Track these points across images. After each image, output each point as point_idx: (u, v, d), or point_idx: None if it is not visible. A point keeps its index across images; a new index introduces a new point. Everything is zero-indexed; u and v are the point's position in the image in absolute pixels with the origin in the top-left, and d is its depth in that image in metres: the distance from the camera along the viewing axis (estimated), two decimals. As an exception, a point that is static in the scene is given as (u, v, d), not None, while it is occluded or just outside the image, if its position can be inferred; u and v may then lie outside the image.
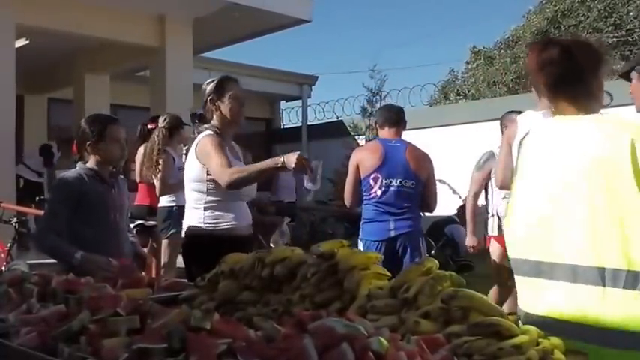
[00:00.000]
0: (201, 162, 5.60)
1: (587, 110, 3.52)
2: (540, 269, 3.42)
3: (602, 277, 3.18)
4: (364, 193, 7.81)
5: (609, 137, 3.27)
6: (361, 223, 7.98)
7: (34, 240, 5.57)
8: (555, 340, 2.76)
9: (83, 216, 5.41)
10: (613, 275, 3.15)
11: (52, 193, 5.63)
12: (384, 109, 8.74)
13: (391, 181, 7.76)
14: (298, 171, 5.19)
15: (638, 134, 3.19)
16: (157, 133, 9.64)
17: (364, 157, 7.85)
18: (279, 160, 5.25)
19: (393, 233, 7.67)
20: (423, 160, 7.95)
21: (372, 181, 7.76)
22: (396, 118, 8.13)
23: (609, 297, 3.16)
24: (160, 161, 9.39)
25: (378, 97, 21.53)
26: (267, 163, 5.40)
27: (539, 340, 2.71)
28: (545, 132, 3.64)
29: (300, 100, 26.78)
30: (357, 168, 7.82)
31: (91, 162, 5.63)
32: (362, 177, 7.77)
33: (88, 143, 5.58)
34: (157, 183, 9.48)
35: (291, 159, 5.17)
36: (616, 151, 3.19)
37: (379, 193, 7.72)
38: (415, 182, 7.75)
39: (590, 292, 3.21)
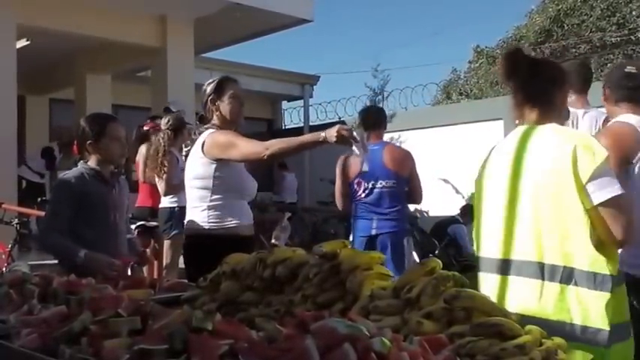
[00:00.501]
0: (212, 157, 5.57)
1: (547, 120, 3.77)
2: (495, 265, 3.74)
3: (541, 271, 3.49)
4: (353, 195, 8.26)
5: (557, 147, 3.56)
6: (352, 219, 8.46)
7: (36, 240, 5.56)
8: (558, 340, 2.75)
9: (84, 216, 5.38)
10: (551, 270, 3.47)
11: (54, 193, 5.61)
12: (362, 112, 9.06)
13: (373, 184, 8.13)
14: (341, 143, 5.08)
15: (581, 142, 3.50)
16: (161, 135, 9.65)
17: (347, 164, 8.19)
18: (321, 134, 5.14)
19: (374, 232, 8.09)
20: (402, 158, 8.30)
21: (356, 186, 8.19)
22: (373, 120, 8.53)
23: (547, 291, 3.47)
24: (165, 162, 9.40)
25: (380, 97, 21.44)
26: (308, 137, 5.41)
27: (543, 340, 2.70)
28: (505, 140, 3.92)
29: (302, 100, 26.75)
30: (343, 174, 8.24)
31: (92, 161, 5.60)
32: (349, 182, 8.18)
33: (89, 142, 5.54)
34: (160, 184, 9.50)
35: (332, 132, 5.05)
36: (561, 158, 3.48)
37: (363, 195, 8.15)
38: (396, 181, 8.14)
39: (531, 286, 3.52)
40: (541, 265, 3.49)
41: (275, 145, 5.41)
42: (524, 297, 3.53)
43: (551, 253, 3.48)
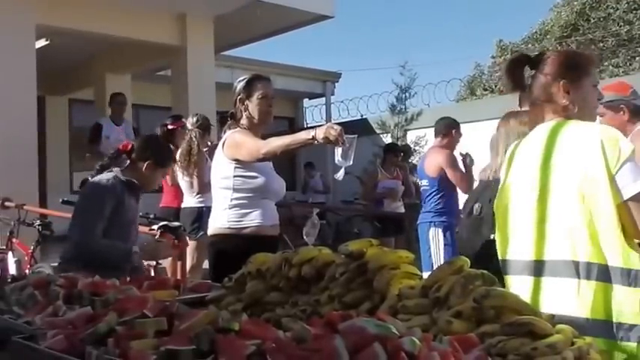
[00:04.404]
0: (230, 156, 5.58)
1: (572, 116, 3.70)
2: (527, 267, 3.67)
3: (576, 270, 3.42)
4: None
5: (583, 142, 3.48)
6: None
7: (82, 248, 5.33)
8: (590, 339, 2.72)
9: (112, 223, 5.34)
10: (586, 268, 3.40)
11: (94, 195, 5.50)
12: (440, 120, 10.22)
13: (419, 183, 10.01)
14: (328, 143, 5.03)
15: (607, 136, 3.41)
16: (193, 134, 9.69)
17: None
18: (311, 133, 5.11)
19: (417, 222, 9.62)
20: (430, 160, 9.43)
21: None
22: (436, 127, 9.85)
23: (584, 289, 3.40)
24: (198, 160, 9.45)
25: (407, 94, 21.35)
26: (302, 134, 5.31)
27: (574, 339, 2.66)
28: (528, 140, 3.86)
29: (324, 98, 26.73)
30: None
31: (130, 172, 5.60)
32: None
33: (149, 163, 5.58)
34: (192, 183, 9.53)
35: (321, 130, 5.03)
36: (589, 153, 3.41)
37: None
38: (428, 181, 9.31)
39: (567, 286, 3.45)
40: (576, 264, 3.43)
41: (270, 143, 5.38)
42: (560, 297, 3.47)
43: (584, 251, 3.41)
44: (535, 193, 3.64)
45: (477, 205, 6.00)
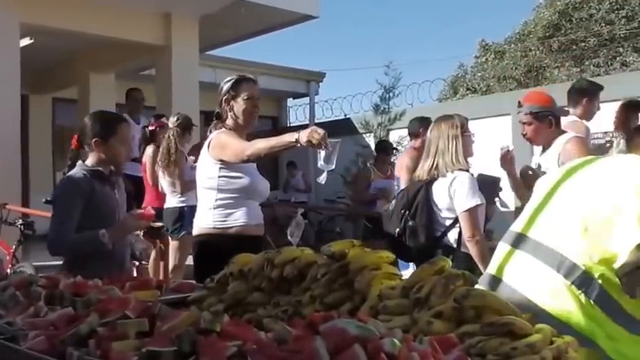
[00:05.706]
0: (215, 157, 5.59)
1: None
2: (512, 237, 3.69)
3: (559, 263, 3.36)
4: None
5: (633, 174, 3.40)
6: None
7: (53, 247, 5.30)
8: (569, 339, 2.73)
9: (90, 216, 5.27)
10: (570, 267, 3.33)
11: (63, 193, 5.42)
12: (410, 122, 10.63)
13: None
14: (311, 146, 5.03)
15: None
16: (172, 132, 9.66)
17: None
18: (295, 135, 5.12)
19: None
20: (400, 159, 9.92)
21: None
22: (412, 129, 10.22)
23: (553, 282, 3.36)
24: (177, 160, 9.40)
25: (391, 94, 21.25)
26: (285, 137, 5.30)
27: (553, 339, 2.68)
28: None
29: (308, 98, 26.70)
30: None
31: (92, 160, 5.47)
32: None
33: (95, 140, 5.39)
34: (173, 182, 9.48)
35: (305, 133, 5.03)
36: (630, 185, 3.32)
37: None
38: (397, 180, 9.69)
39: (540, 270, 3.42)
40: (563, 258, 3.36)
41: (255, 145, 5.40)
42: (527, 277, 3.47)
43: (579, 253, 3.33)
44: (556, 182, 3.71)
45: (393, 202, 6.38)
